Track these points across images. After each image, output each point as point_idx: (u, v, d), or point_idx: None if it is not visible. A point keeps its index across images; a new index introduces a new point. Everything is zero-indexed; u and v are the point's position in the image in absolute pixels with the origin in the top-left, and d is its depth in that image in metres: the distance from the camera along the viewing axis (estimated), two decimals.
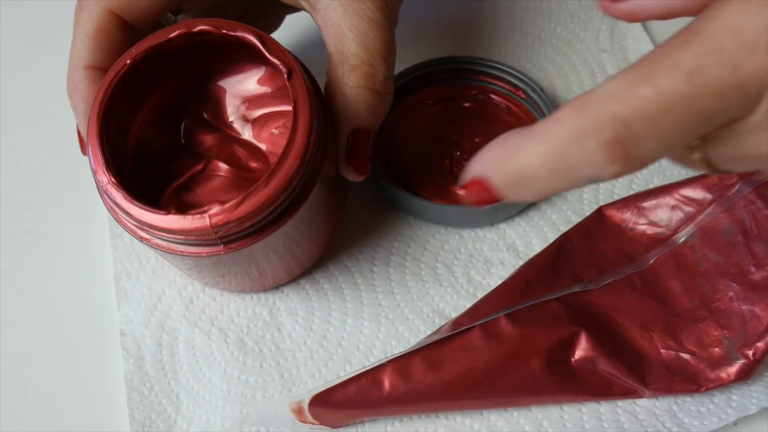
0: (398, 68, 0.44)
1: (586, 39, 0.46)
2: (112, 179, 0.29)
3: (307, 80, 0.31)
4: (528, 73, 0.44)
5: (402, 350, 0.33)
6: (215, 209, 0.28)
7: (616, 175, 0.22)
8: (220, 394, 0.35)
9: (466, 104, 0.43)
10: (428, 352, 0.33)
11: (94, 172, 0.30)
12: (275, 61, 0.31)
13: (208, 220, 0.28)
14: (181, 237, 0.29)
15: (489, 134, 0.41)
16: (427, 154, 0.41)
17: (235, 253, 0.30)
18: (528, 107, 0.42)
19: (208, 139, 0.36)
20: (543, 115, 0.41)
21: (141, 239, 0.31)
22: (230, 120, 0.36)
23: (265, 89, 0.36)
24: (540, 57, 0.45)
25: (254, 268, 0.34)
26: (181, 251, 0.30)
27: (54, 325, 0.38)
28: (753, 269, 0.33)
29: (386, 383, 0.32)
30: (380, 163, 0.40)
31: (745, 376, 0.32)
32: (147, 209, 0.29)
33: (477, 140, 0.41)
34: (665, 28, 0.48)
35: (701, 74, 0.20)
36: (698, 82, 0.20)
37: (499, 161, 0.23)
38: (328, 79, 0.32)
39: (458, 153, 0.40)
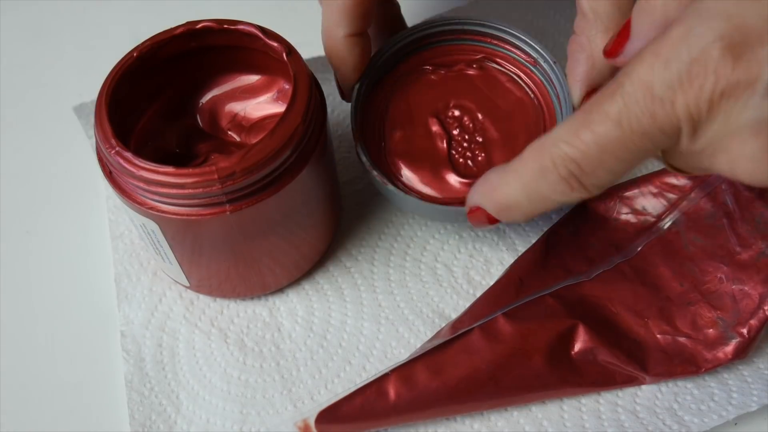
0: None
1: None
2: (119, 145, 0.30)
3: (305, 62, 0.32)
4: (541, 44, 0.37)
5: (403, 357, 0.33)
6: (222, 162, 0.29)
7: (581, 198, 0.27)
8: (220, 395, 0.35)
9: (469, 71, 0.38)
10: (430, 357, 0.33)
11: (101, 144, 0.30)
12: (274, 44, 0.32)
13: (215, 171, 0.29)
14: (188, 191, 0.29)
15: (494, 111, 0.37)
16: (425, 139, 0.37)
17: (240, 219, 0.31)
18: (540, 78, 0.37)
19: (204, 148, 0.36)
20: (555, 90, 0.36)
21: (143, 205, 0.30)
22: (226, 128, 0.36)
23: (260, 99, 0.36)
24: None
25: (253, 249, 0.33)
26: (187, 214, 0.30)
27: (54, 325, 0.38)
28: (739, 249, 0.34)
29: (392, 392, 0.32)
30: (373, 155, 0.36)
31: (742, 353, 0.33)
32: (154, 165, 0.29)
33: (480, 116, 0.37)
34: None
35: (626, 122, 0.24)
36: (626, 128, 0.24)
37: (487, 194, 0.30)
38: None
39: (457, 132, 0.36)
